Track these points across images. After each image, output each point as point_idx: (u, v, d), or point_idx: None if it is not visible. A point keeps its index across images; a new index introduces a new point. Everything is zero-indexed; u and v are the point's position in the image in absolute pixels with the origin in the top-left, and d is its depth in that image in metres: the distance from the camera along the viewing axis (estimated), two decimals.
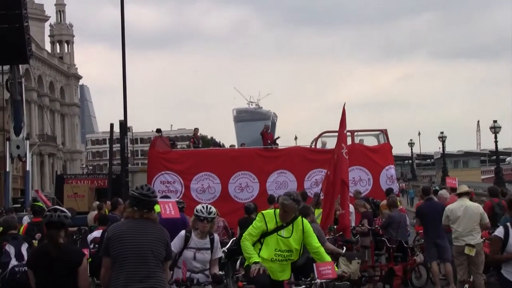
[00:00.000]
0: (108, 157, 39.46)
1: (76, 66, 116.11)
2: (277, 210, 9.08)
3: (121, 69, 29.09)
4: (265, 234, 8.97)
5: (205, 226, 9.18)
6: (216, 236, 9.48)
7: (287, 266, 9.08)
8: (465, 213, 13.56)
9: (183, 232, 9.33)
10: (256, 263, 8.65)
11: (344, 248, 14.26)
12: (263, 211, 9.37)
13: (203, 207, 9.30)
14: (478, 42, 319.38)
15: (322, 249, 9.10)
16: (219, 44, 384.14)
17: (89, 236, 15.20)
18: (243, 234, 9.23)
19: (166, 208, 12.68)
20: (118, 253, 6.98)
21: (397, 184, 33.91)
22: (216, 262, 9.47)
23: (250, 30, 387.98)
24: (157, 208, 16.55)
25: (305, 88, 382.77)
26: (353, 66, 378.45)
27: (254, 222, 9.19)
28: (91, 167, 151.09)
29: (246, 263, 9.03)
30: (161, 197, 15.82)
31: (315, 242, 9.06)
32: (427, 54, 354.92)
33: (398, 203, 21.20)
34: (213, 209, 9.32)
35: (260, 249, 8.99)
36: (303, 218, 9.22)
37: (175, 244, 9.05)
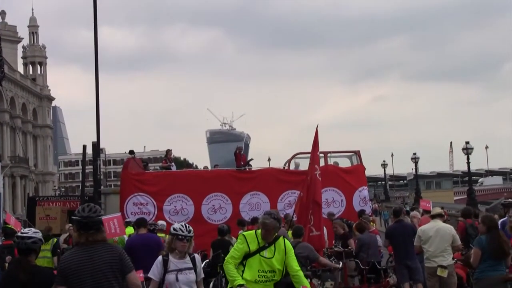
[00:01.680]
0: (80, 179, 39.24)
1: (49, 88, 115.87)
2: (258, 231, 8.97)
3: (94, 91, 28.96)
4: (247, 255, 8.84)
5: (184, 246, 8.87)
6: (197, 256, 9.23)
7: (271, 286, 8.97)
8: (437, 233, 13.65)
9: (160, 258, 9.00)
10: (240, 285, 8.56)
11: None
12: (244, 232, 9.29)
13: (182, 225, 8.98)
14: (450, 65, 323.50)
15: (301, 273, 9.01)
16: (193, 66, 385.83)
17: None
18: (226, 258, 8.98)
19: (111, 227, 12.66)
20: (73, 285, 6.92)
21: (370, 205, 34.00)
22: (201, 284, 9.20)
23: (223, 52, 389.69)
24: (129, 230, 16.60)
25: (279, 109, 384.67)
26: (326, 88, 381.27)
27: (235, 245, 9.02)
28: (63, 189, 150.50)
29: (229, 286, 8.91)
30: (137, 219, 15.81)
31: (295, 264, 8.98)
32: (400, 76, 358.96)
33: (372, 224, 21.32)
34: (191, 228, 9.06)
35: (243, 271, 8.83)
36: (285, 239, 9.12)
37: (154, 272, 8.86)
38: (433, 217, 14.30)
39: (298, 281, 8.89)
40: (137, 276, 7.38)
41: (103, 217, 7.32)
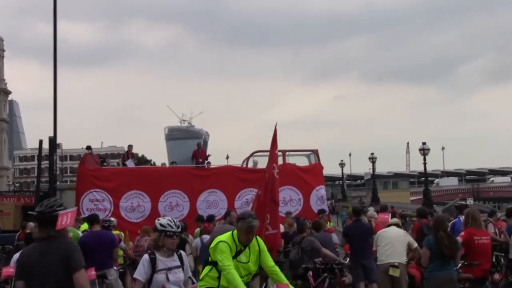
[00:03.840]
0: (36, 174, 38.68)
1: (5, 81, 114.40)
2: (235, 233, 8.65)
3: (52, 85, 28.65)
4: None
5: (173, 243, 8.16)
6: (183, 253, 8.53)
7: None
8: (393, 237, 13.76)
9: (146, 257, 8.18)
10: None
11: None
12: (222, 239, 8.63)
13: (170, 220, 8.24)
14: (407, 65, 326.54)
15: (277, 269, 8.83)
16: (152, 62, 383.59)
17: (15, 255, 14.88)
18: (224, 266, 8.33)
19: (64, 219, 12.48)
20: (25, 280, 6.91)
21: (328, 204, 34.10)
22: (189, 283, 8.51)
23: (183, 49, 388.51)
24: (84, 226, 16.39)
25: (238, 107, 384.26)
26: (285, 87, 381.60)
27: (221, 253, 8.39)
28: (18, 184, 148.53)
29: None
30: (90, 216, 15.61)
31: (270, 261, 8.80)
32: (358, 76, 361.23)
33: (329, 223, 21.35)
34: (179, 222, 8.51)
35: (218, 278, 8.50)
36: (257, 237, 8.86)
37: (140, 271, 8.09)
38: (390, 225, 14.47)
39: (277, 277, 8.68)
40: (85, 275, 7.13)
41: (62, 212, 7.12)
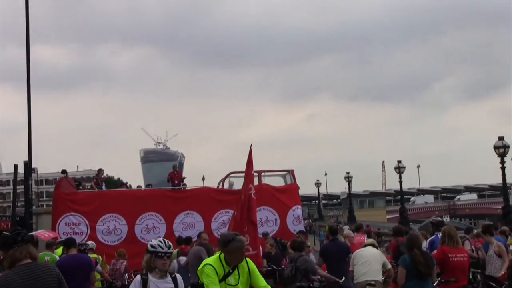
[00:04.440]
0: (11, 199, 38.44)
1: None
2: (222, 255, 8.39)
3: (26, 109, 28.53)
4: None
5: (165, 264, 7.88)
6: (178, 276, 8.19)
7: None
8: (369, 255, 13.84)
9: (138, 278, 7.96)
10: None
11: None
12: (208, 261, 8.47)
13: (160, 241, 7.98)
14: (381, 84, 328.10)
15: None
16: (125, 84, 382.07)
17: None
18: None
19: (43, 234, 12.35)
20: None
21: (304, 224, 34.16)
22: None
23: (155, 71, 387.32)
24: (58, 251, 16.32)
25: (212, 128, 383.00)
26: (258, 106, 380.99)
27: (207, 277, 8.23)
28: None
29: None
30: (66, 239, 15.55)
31: (261, 281, 8.59)
32: (332, 95, 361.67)
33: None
34: (170, 243, 8.09)
35: None
36: (247, 259, 8.63)
37: None
38: (366, 245, 14.56)
39: None
40: None
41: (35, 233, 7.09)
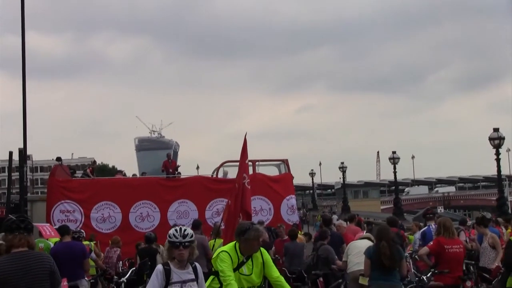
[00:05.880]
0: (6, 186, 38.43)
1: None
2: (237, 244, 8.40)
3: (21, 97, 28.46)
4: None
5: (181, 254, 7.50)
6: (198, 265, 7.85)
7: None
8: (363, 247, 13.81)
9: (160, 267, 7.62)
10: None
11: None
12: (224, 249, 8.51)
13: (176, 230, 7.62)
14: (376, 75, 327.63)
15: (282, 279, 8.63)
16: (121, 73, 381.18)
17: None
18: (225, 277, 8.10)
19: (46, 230, 12.27)
20: None
21: (299, 213, 34.19)
22: None
23: (151, 60, 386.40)
24: (53, 240, 16.31)
25: (207, 118, 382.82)
26: (253, 97, 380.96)
27: (221, 261, 8.20)
28: None
29: None
30: (60, 227, 15.54)
31: (274, 272, 8.58)
32: (326, 86, 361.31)
33: (300, 232, 21.44)
34: (189, 231, 7.65)
35: None
36: (261, 248, 8.60)
37: (154, 283, 7.54)
38: (363, 238, 14.55)
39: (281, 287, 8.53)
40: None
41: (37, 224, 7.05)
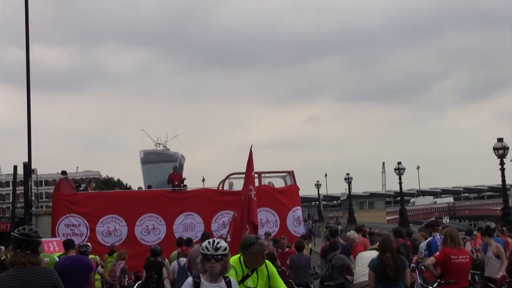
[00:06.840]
0: (11, 200, 38.42)
1: None
2: (242, 257, 8.27)
3: (26, 110, 28.52)
4: None
5: (213, 267, 7.27)
6: (233, 280, 7.62)
7: None
8: (370, 259, 13.80)
9: (190, 280, 7.42)
10: None
11: None
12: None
13: (208, 242, 7.38)
14: (381, 85, 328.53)
15: None
16: (125, 86, 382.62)
17: None
18: None
19: (50, 246, 12.25)
20: None
21: (305, 225, 34.11)
22: None
23: (156, 72, 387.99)
24: (57, 254, 16.31)
25: (212, 129, 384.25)
26: (259, 108, 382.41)
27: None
28: None
29: None
30: (65, 241, 15.53)
31: (280, 285, 8.48)
32: (332, 96, 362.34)
33: (309, 246, 21.40)
34: (223, 244, 7.43)
35: None
36: (266, 261, 8.49)
37: None
38: (372, 249, 14.52)
39: None
40: None
41: (45, 239, 7.03)
